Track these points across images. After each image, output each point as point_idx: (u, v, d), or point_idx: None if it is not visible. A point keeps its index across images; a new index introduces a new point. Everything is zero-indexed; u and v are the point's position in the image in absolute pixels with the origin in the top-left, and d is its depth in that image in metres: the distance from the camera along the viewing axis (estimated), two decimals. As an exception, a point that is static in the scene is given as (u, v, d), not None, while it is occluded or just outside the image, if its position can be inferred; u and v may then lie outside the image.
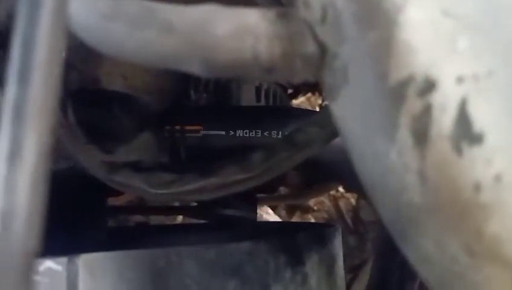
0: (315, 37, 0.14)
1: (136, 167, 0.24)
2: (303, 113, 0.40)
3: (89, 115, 0.27)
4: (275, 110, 0.43)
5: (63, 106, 0.23)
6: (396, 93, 0.12)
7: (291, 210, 0.98)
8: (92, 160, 0.23)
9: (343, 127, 0.15)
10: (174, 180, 0.24)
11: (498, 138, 0.11)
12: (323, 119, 0.25)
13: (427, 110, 0.11)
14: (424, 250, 0.13)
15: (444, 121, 0.11)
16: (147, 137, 0.27)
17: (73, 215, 0.32)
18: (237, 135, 0.38)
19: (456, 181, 0.11)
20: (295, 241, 0.29)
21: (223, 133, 0.38)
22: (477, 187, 0.11)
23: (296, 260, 0.27)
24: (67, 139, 0.23)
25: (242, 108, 0.42)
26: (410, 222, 0.13)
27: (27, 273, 0.09)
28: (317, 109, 0.90)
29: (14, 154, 0.09)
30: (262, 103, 0.45)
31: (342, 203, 0.95)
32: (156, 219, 0.79)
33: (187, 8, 0.14)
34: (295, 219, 0.98)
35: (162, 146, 0.27)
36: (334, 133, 0.25)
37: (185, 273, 0.22)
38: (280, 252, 0.26)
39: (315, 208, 0.99)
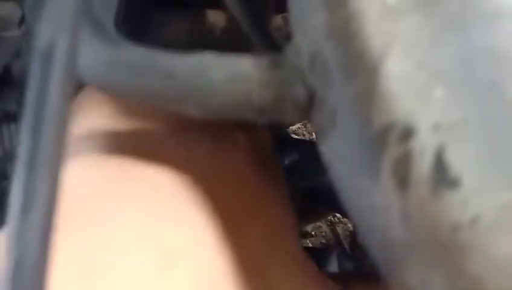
0: (304, 83, 0.15)
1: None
2: (300, 143, 0.41)
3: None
4: (272, 140, 0.44)
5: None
6: (379, 139, 0.13)
7: (289, 235, 0.98)
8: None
9: (330, 166, 0.15)
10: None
11: (473, 182, 0.12)
12: (319, 152, 0.25)
13: (407, 156, 0.12)
14: (409, 285, 0.14)
15: (423, 166, 0.12)
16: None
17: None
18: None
19: (435, 222, 0.12)
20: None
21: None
22: (455, 229, 0.12)
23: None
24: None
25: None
26: (395, 258, 0.14)
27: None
28: (314, 136, 0.92)
29: (27, 206, 0.10)
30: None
31: (339, 229, 0.95)
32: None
33: (186, 56, 0.16)
34: (293, 244, 0.98)
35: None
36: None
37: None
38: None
39: (312, 233, 0.99)
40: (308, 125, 0.94)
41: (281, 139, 0.48)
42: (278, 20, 0.39)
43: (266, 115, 0.16)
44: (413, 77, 0.12)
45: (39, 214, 0.09)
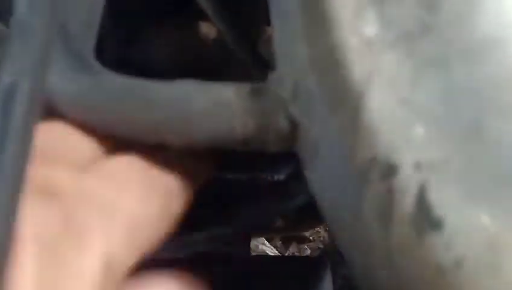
0: (287, 113, 0.15)
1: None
2: (294, 156, 0.40)
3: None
4: (265, 153, 0.43)
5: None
6: (361, 174, 0.12)
7: (287, 240, 0.98)
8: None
9: (316, 195, 0.15)
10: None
11: (457, 223, 0.11)
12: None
13: (389, 193, 0.12)
14: None
15: (405, 205, 0.12)
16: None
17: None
18: (227, 177, 0.39)
19: (418, 263, 0.12)
20: (285, 286, 0.29)
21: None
22: (438, 270, 0.11)
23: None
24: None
25: (232, 152, 0.43)
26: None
27: None
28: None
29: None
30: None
31: (337, 234, 0.95)
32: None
33: (165, 84, 0.15)
34: (291, 249, 0.98)
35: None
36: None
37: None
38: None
39: (311, 238, 0.99)
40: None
41: (274, 153, 0.48)
42: (269, 30, 0.38)
43: (249, 145, 0.15)
44: (394, 113, 0.12)
45: None
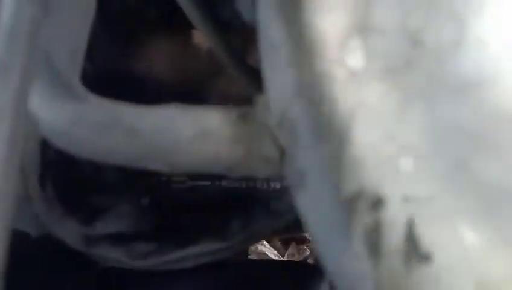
0: (274, 139, 0.14)
1: (115, 238, 0.24)
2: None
3: (72, 180, 0.27)
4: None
5: (41, 180, 0.24)
6: (349, 206, 0.12)
7: (286, 241, 0.98)
8: (69, 233, 0.24)
9: (305, 222, 0.15)
10: (152, 251, 0.24)
11: (445, 259, 0.11)
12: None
13: (377, 226, 0.12)
14: None
15: (394, 237, 0.12)
16: (126, 208, 0.27)
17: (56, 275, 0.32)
18: (222, 185, 0.39)
19: (408, 296, 0.12)
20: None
21: (208, 183, 0.38)
22: (428, 304, 0.11)
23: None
24: (45, 213, 0.23)
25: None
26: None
27: None
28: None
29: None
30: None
31: (336, 235, 0.95)
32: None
33: (150, 110, 0.15)
34: (290, 249, 0.98)
35: (143, 212, 0.27)
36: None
37: None
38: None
39: (310, 239, 0.99)
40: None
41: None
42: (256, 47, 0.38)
43: (237, 171, 0.15)
44: (380, 147, 0.11)
45: None
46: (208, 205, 0.36)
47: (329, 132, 0.12)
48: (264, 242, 0.96)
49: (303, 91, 0.13)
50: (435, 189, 0.11)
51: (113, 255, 0.23)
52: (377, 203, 0.12)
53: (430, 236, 0.11)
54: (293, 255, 0.97)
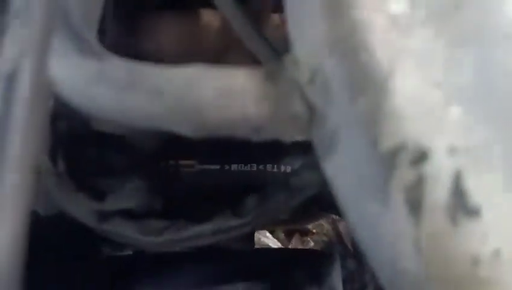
0: (304, 97, 0.14)
1: (127, 214, 0.24)
2: (299, 147, 0.40)
3: (81, 156, 0.26)
4: (270, 143, 0.43)
5: (52, 155, 0.23)
6: (388, 162, 0.12)
7: (289, 233, 0.97)
8: (81, 209, 0.23)
9: (334, 188, 0.14)
10: (166, 227, 0.23)
11: (496, 212, 0.10)
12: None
13: (420, 180, 0.11)
14: None
15: (438, 192, 0.11)
16: (137, 183, 0.26)
17: (65, 256, 0.32)
18: (232, 169, 0.38)
19: (452, 253, 0.11)
20: (292, 280, 0.28)
21: (218, 167, 0.37)
22: (474, 261, 0.11)
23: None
24: (56, 188, 0.23)
25: (237, 142, 0.42)
26: (406, 289, 0.13)
27: None
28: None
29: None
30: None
31: (341, 227, 0.95)
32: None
33: (175, 69, 0.14)
34: (294, 241, 0.97)
35: (153, 190, 0.27)
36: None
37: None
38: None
39: (314, 231, 0.98)
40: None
41: (279, 143, 0.47)
42: (275, 19, 0.37)
43: (264, 132, 0.15)
44: (426, 95, 0.11)
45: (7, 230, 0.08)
46: (219, 188, 0.35)
47: (366, 84, 0.12)
48: (267, 233, 0.96)
49: (337, 44, 0.12)
50: (486, 138, 0.10)
51: (126, 232, 0.22)
52: (421, 156, 0.11)
53: (479, 189, 0.11)
54: (296, 246, 0.97)
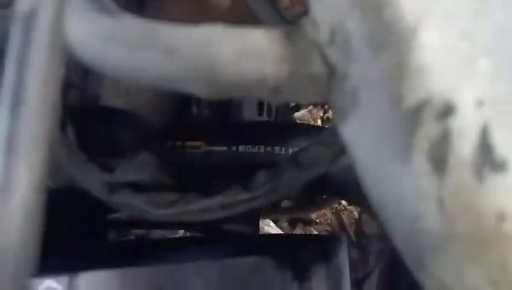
0: (323, 57, 0.13)
1: (137, 187, 0.24)
2: (306, 129, 0.39)
3: (90, 133, 0.26)
4: (278, 125, 0.42)
5: (62, 125, 0.23)
6: (412, 117, 0.11)
7: (293, 223, 0.98)
8: (91, 180, 0.23)
9: (353, 149, 0.14)
10: (176, 199, 0.23)
11: (522, 165, 0.10)
12: (329, 138, 0.24)
13: (445, 136, 0.11)
14: (442, 280, 0.12)
15: (464, 147, 0.11)
16: (147, 157, 0.26)
17: (74, 232, 0.32)
18: (239, 151, 0.38)
19: (477, 209, 0.11)
20: (301, 256, 0.28)
21: (225, 148, 0.37)
22: (500, 216, 0.10)
23: (302, 275, 0.26)
24: (67, 159, 0.22)
25: (245, 124, 0.42)
26: (427, 250, 0.12)
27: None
28: (319, 122, 0.90)
29: (6, 188, 0.09)
30: (264, 117, 0.45)
31: (344, 216, 0.94)
32: (156, 232, 0.78)
33: (191, 28, 0.14)
34: (297, 231, 0.97)
35: (162, 165, 0.26)
36: (340, 152, 0.24)
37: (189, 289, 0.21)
38: (286, 267, 0.25)
39: (317, 220, 0.98)
40: (314, 111, 0.92)
41: (287, 126, 0.47)
42: (285, 1, 0.37)
43: (280, 95, 0.14)
44: (453, 48, 0.10)
45: (19, 197, 0.08)
46: (226, 169, 0.35)
47: (390, 40, 0.12)
48: (271, 223, 0.96)
49: (361, 1, 0.12)
50: None
51: (136, 204, 0.22)
52: (447, 111, 0.11)
53: (505, 143, 0.10)
54: (299, 236, 0.97)
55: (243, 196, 0.23)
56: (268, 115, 0.46)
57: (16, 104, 0.09)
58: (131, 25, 0.14)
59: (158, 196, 0.23)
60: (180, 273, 0.21)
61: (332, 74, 0.13)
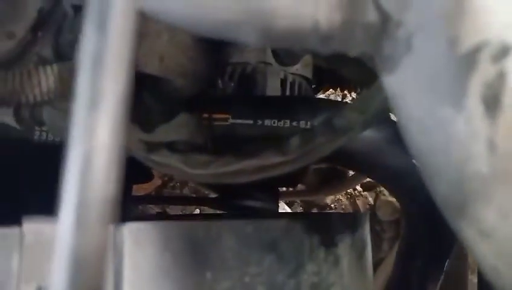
0: (377, 5, 0.14)
1: (173, 148, 0.24)
2: (330, 104, 0.40)
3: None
4: (302, 100, 0.43)
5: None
6: (468, 60, 0.12)
7: (308, 207, 0.98)
8: (131, 139, 0.23)
9: (401, 99, 0.14)
10: (212, 161, 0.24)
11: None
12: (362, 105, 0.24)
13: (500, 77, 0.11)
14: (486, 221, 0.13)
15: (520, 86, 0.11)
16: (186, 117, 0.27)
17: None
18: (265, 124, 0.38)
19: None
20: (329, 223, 0.29)
21: (251, 122, 0.38)
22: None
23: (330, 241, 0.27)
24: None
25: (270, 98, 0.42)
26: (474, 193, 0.13)
27: (108, 213, 0.09)
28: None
29: (94, 102, 0.09)
30: (287, 94, 0.45)
31: (359, 202, 0.95)
32: (173, 209, 0.80)
33: (246, -25, 0.14)
34: (311, 216, 0.98)
35: (199, 128, 0.27)
36: (373, 118, 0.24)
37: (224, 245, 0.22)
38: (315, 232, 0.25)
39: (332, 205, 0.99)
40: (332, 96, 0.92)
41: (311, 100, 0.47)
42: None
43: (332, 44, 0.15)
44: None
45: (108, 110, 0.09)
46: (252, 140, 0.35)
47: (449, -17, 0.12)
48: (285, 207, 0.97)
49: None
50: None
51: (174, 163, 0.23)
52: (502, 52, 0.11)
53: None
54: (313, 221, 0.98)
55: (277, 158, 0.23)
56: (291, 93, 0.47)
57: (102, 26, 0.09)
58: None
59: (194, 157, 0.23)
60: (216, 229, 0.22)
61: (385, 22, 0.14)
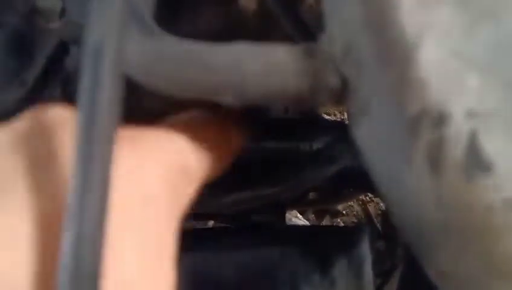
0: (338, 71, 0.15)
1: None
2: (332, 125, 0.41)
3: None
4: (304, 122, 0.44)
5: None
6: (413, 126, 0.13)
7: (320, 214, 0.99)
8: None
9: (364, 151, 0.16)
10: (208, 193, 0.25)
11: (506, 166, 0.12)
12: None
13: (440, 141, 0.13)
14: (443, 268, 0.14)
15: (456, 151, 0.13)
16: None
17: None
18: (267, 147, 0.40)
19: (469, 204, 0.13)
20: (323, 246, 0.30)
21: (252, 144, 0.39)
22: (488, 211, 0.12)
23: (325, 263, 0.28)
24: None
25: (271, 120, 0.44)
26: (429, 242, 0.14)
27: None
28: (346, 116, 0.91)
29: (85, 189, 0.11)
30: (290, 114, 0.46)
31: (371, 208, 0.95)
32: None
33: (221, 48, 0.16)
34: (324, 222, 0.99)
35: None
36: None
37: (223, 276, 0.24)
38: (309, 256, 0.27)
39: (344, 212, 1.00)
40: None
41: (312, 120, 0.48)
42: (309, 0, 0.38)
43: (301, 104, 0.16)
44: (447, 64, 0.12)
45: (96, 196, 0.11)
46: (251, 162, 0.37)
47: (395, 56, 0.13)
48: (298, 215, 0.98)
49: (369, 22, 0.14)
50: (498, 102, 0.12)
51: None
52: (441, 120, 0.13)
53: (491, 147, 0.12)
54: (326, 228, 0.99)
55: (269, 190, 0.25)
56: (294, 112, 0.48)
57: (90, 120, 0.11)
58: (173, 46, 0.16)
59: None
60: (215, 261, 0.23)
61: (346, 86, 0.15)
